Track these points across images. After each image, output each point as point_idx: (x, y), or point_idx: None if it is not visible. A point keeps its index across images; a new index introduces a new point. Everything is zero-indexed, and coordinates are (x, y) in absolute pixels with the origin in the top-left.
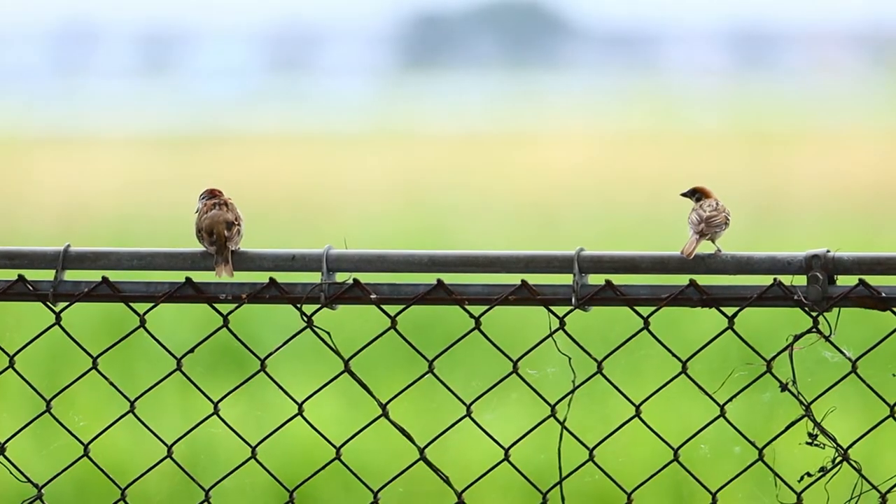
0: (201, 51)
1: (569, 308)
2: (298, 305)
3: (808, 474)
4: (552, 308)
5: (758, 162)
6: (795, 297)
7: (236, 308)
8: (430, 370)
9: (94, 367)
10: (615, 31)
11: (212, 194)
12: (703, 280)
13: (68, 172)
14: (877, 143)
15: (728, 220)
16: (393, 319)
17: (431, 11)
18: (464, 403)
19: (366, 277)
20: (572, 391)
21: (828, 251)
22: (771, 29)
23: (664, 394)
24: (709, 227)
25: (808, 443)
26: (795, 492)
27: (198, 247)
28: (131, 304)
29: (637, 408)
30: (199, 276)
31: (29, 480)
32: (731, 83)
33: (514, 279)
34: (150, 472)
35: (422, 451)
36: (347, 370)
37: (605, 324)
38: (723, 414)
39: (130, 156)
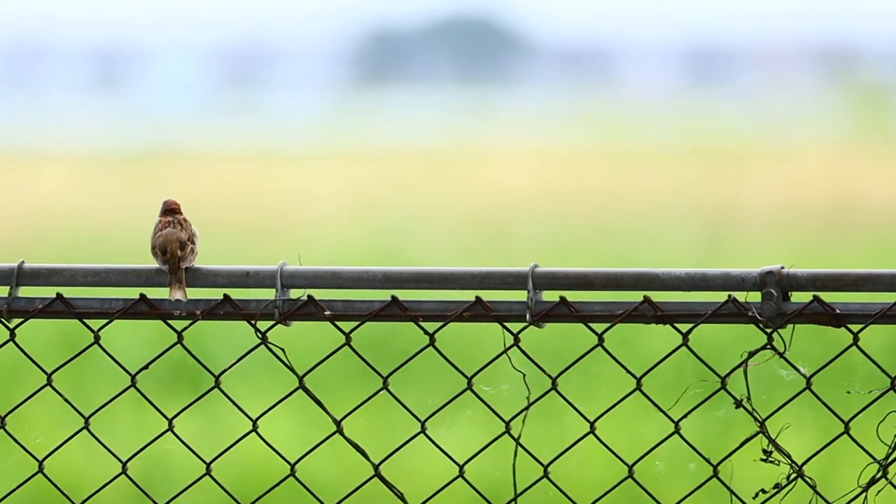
0: (153, 67)
1: (523, 325)
2: (253, 322)
3: (763, 491)
4: (506, 324)
5: (711, 178)
6: (750, 314)
7: (191, 325)
8: (385, 387)
9: (49, 383)
10: (567, 48)
11: (169, 207)
12: (658, 296)
13: (21, 189)
14: (829, 160)
15: None
16: (347, 336)
17: (384, 28)
18: (418, 420)
19: (320, 294)
20: (527, 407)
21: (782, 267)
22: (723, 46)
23: (619, 410)
24: None
25: (762, 459)
26: None
27: (153, 263)
28: (86, 320)
29: (591, 424)
30: (153, 293)
31: None
32: (683, 100)
33: (468, 295)
34: (104, 489)
35: (376, 467)
36: (302, 387)
37: (560, 340)
38: (677, 430)
39: (83, 172)
